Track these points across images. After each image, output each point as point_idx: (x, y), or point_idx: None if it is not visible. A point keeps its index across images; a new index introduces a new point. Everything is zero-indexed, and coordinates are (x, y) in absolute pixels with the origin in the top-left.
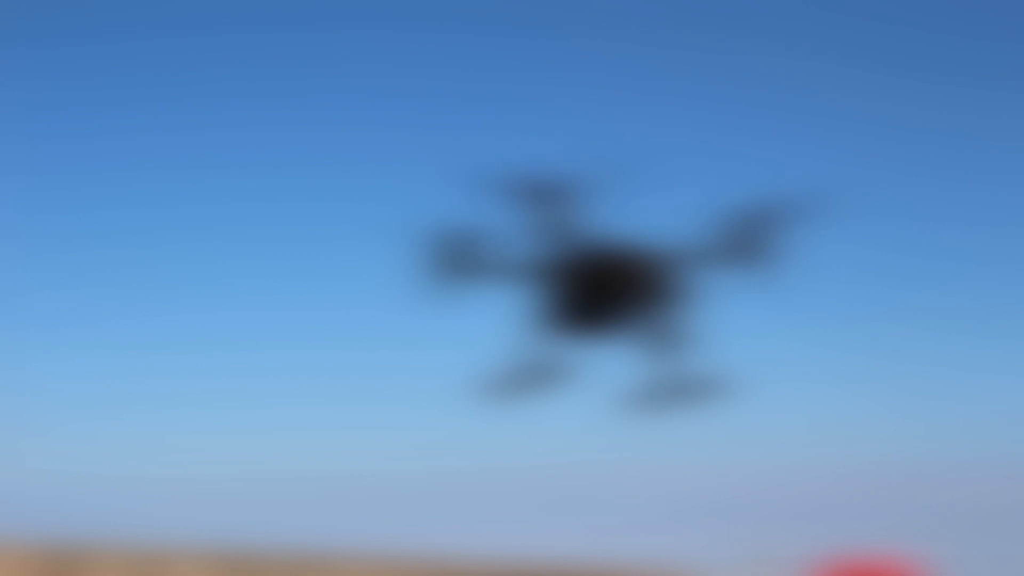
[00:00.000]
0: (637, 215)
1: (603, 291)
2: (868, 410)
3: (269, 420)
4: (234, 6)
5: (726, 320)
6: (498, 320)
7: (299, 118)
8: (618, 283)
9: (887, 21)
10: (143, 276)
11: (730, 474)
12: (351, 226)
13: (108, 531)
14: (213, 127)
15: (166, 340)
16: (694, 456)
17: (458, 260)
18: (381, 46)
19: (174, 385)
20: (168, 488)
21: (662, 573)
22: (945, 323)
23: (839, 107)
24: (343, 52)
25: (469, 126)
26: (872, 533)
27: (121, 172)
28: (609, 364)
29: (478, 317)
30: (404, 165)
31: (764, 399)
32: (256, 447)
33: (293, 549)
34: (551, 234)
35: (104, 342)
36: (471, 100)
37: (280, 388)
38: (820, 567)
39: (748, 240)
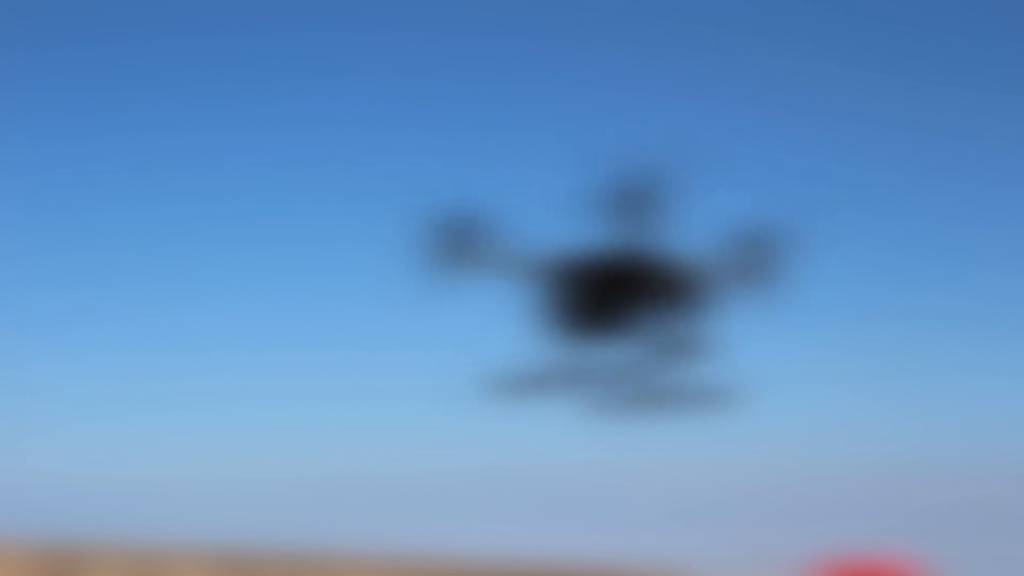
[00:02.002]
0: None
1: (611, 295)
2: (869, 411)
3: (269, 420)
4: (234, 6)
5: (727, 323)
6: (499, 320)
7: (299, 118)
8: (627, 288)
9: (887, 21)
10: (143, 276)
11: (730, 474)
12: (351, 226)
13: (108, 531)
14: (213, 127)
15: (166, 340)
16: (694, 456)
17: (458, 258)
18: (381, 46)
19: (174, 385)
20: (168, 488)
21: (662, 573)
22: (945, 323)
23: (839, 107)
24: (343, 52)
25: (470, 126)
26: (872, 533)
27: (121, 172)
28: (611, 366)
29: (478, 317)
30: (404, 165)
31: (764, 400)
32: (256, 447)
33: (293, 549)
34: (567, 235)
35: (104, 342)
36: (471, 100)
37: (280, 388)
38: (820, 567)
39: (752, 252)
